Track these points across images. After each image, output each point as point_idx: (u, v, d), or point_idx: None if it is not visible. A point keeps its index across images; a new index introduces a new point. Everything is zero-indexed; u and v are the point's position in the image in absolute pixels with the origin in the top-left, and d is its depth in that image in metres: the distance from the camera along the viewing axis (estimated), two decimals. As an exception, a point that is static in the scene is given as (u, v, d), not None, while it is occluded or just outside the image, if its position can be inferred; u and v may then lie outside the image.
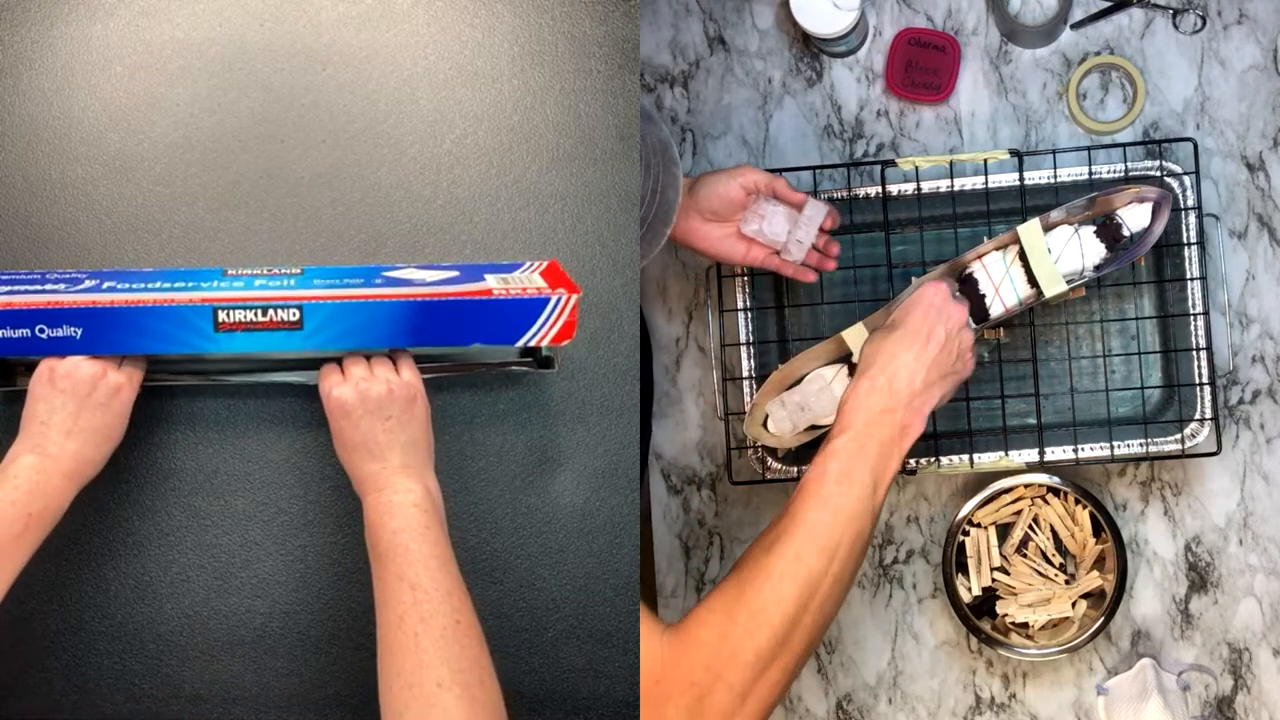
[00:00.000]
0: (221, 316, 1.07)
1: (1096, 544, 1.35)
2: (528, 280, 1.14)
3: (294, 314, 1.08)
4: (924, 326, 1.15)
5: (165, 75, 1.23)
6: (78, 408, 1.06)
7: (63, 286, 1.10)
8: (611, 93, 1.26)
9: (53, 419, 1.06)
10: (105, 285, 1.11)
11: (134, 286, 1.10)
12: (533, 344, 1.12)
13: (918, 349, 1.14)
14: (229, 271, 1.15)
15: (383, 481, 1.08)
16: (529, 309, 1.10)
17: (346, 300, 1.08)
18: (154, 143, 1.22)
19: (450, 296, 1.09)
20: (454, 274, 1.14)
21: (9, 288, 1.09)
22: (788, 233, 1.27)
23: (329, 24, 1.25)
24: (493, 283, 1.12)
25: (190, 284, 1.11)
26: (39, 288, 1.10)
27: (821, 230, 1.28)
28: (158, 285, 1.11)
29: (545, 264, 1.18)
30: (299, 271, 1.15)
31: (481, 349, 1.18)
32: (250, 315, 1.07)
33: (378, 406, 1.08)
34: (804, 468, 1.35)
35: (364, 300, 1.08)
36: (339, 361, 1.12)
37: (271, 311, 1.07)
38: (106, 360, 1.08)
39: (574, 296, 1.11)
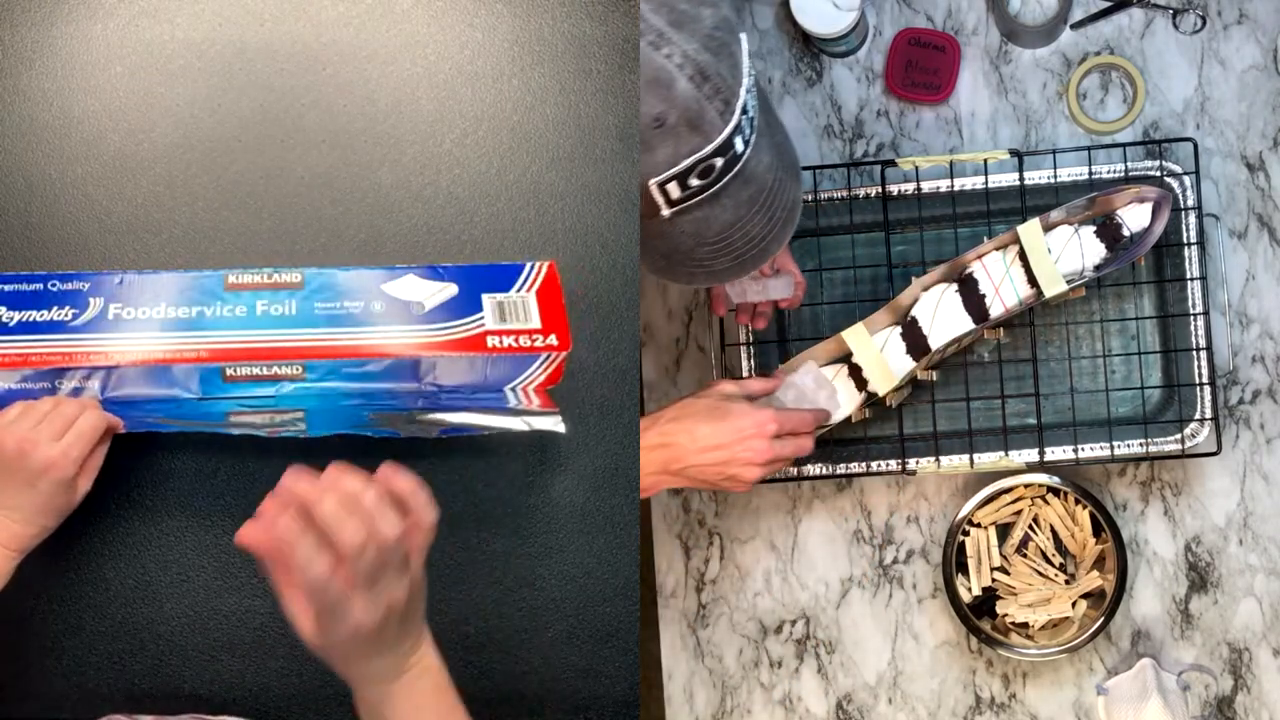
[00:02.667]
0: (229, 371, 1.08)
1: (1096, 544, 1.35)
2: (522, 307, 1.13)
3: (297, 369, 1.09)
4: (729, 444, 1.17)
5: (165, 75, 1.23)
6: (3, 482, 1.03)
7: (69, 313, 1.09)
8: (611, 93, 1.26)
9: None
10: (111, 312, 1.10)
11: (139, 315, 1.09)
12: (517, 390, 1.12)
13: (712, 453, 1.16)
14: (230, 283, 1.13)
15: (395, 672, 0.90)
16: (518, 362, 1.11)
17: (343, 360, 1.08)
18: (154, 143, 1.22)
19: (446, 352, 1.08)
20: (452, 291, 1.13)
21: (9, 308, 1.09)
22: (744, 280, 1.26)
23: (329, 24, 1.25)
24: (488, 319, 1.11)
25: (193, 310, 1.10)
26: (44, 313, 1.09)
27: (776, 305, 1.29)
28: (160, 312, 1.10)
29: (544, 273, 1.16)
30: (300, 283, 1.13)
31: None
32: (255, 369, 1.08)
33: (374, 577, 0.84)
34: (804, 468, 1.35)
35: (361, 358, 1.08)
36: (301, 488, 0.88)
37: (276, 367, 1.09)
38: (52, 424, 1.03)
39: (562, 355, 1.11)
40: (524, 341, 1.11)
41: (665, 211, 0.94)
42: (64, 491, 1.05)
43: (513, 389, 1.14)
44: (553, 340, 1.11)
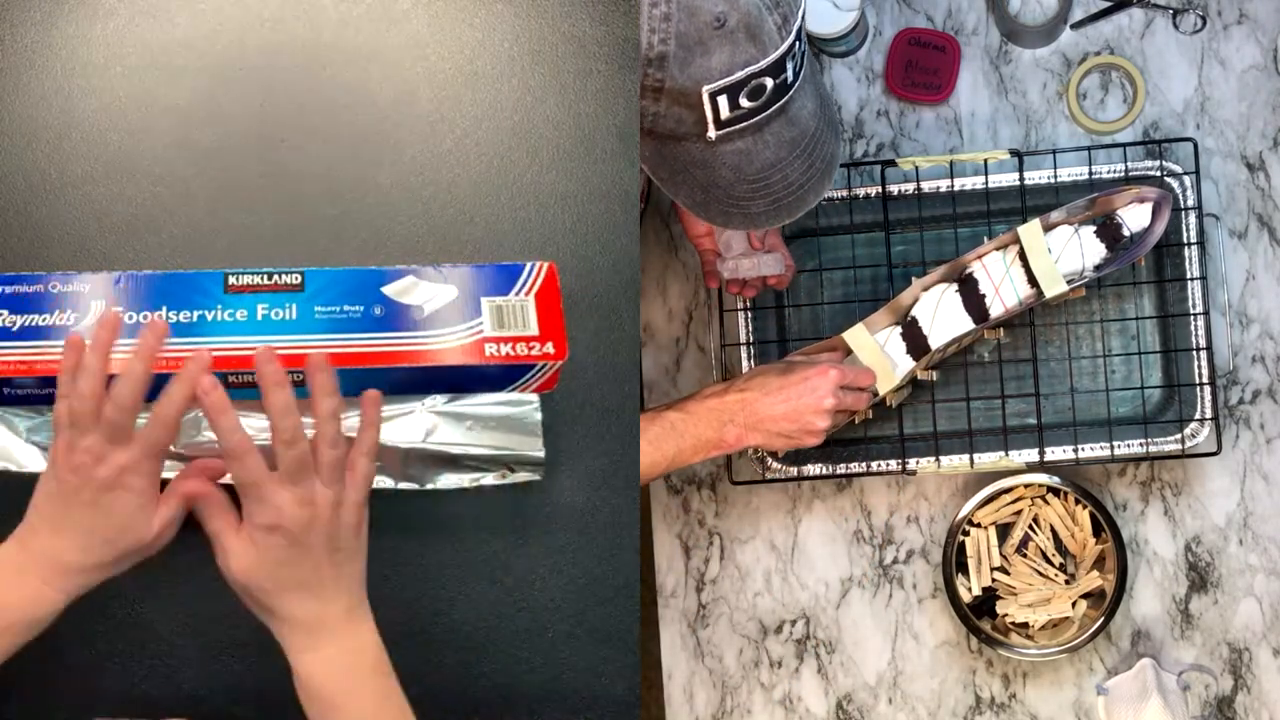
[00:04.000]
0: (231, 379, 1.07)
1: (1096, 544, 1.35)
2: (521, 312, 1.12)
3: (298, 377, 1.09)
4: (798, 390, 1.22)
5: (165, 75, 1.23)
6: (67, 500, 0.88)
7: (70, 317, 1.09)
8: (611, 93, 1.26)
9: (42, 506, 0.89)
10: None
11: (140, 319, 1.09)
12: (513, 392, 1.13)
13: (781, 399, 1.22)
14: (230, 284, 1.12)
15: (327, 632, 0.92)
16: (515, 370, 1.11)
17: (346, 365, 1.08)
18: (154, 143, 1.22)
19: (444, 364, 1.09)
20: (452, 294, 1.13)
21: (11, 311, 1.09)
22: (737, 254, 1.28)
23: (329, 24, 1.25)
24: (487, 325, 1.11)
25: (194, 314, 1.09)
26: (46, 317, 1.09)
27: (765, 281, 1.31)
28: (161, 315, 1.09)
29: (543, 275, 1.15)
30: (299, 284, 1.12)
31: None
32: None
33: (330, 534, 0.89)
34: (804, 468, 1.35)
35: (363, 366, 1.08)
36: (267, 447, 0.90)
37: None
38: (122, 439, 0.88)
39: (558, 364, 1.12)
40: (521, 350, 1.11)
41: (712, 132, 0.96)
42: (131, 517, 0.91)
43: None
44: (549, 349, 1.11)
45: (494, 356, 1.10)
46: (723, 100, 0.94)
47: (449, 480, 1.14)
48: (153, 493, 0.92)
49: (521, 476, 1.15)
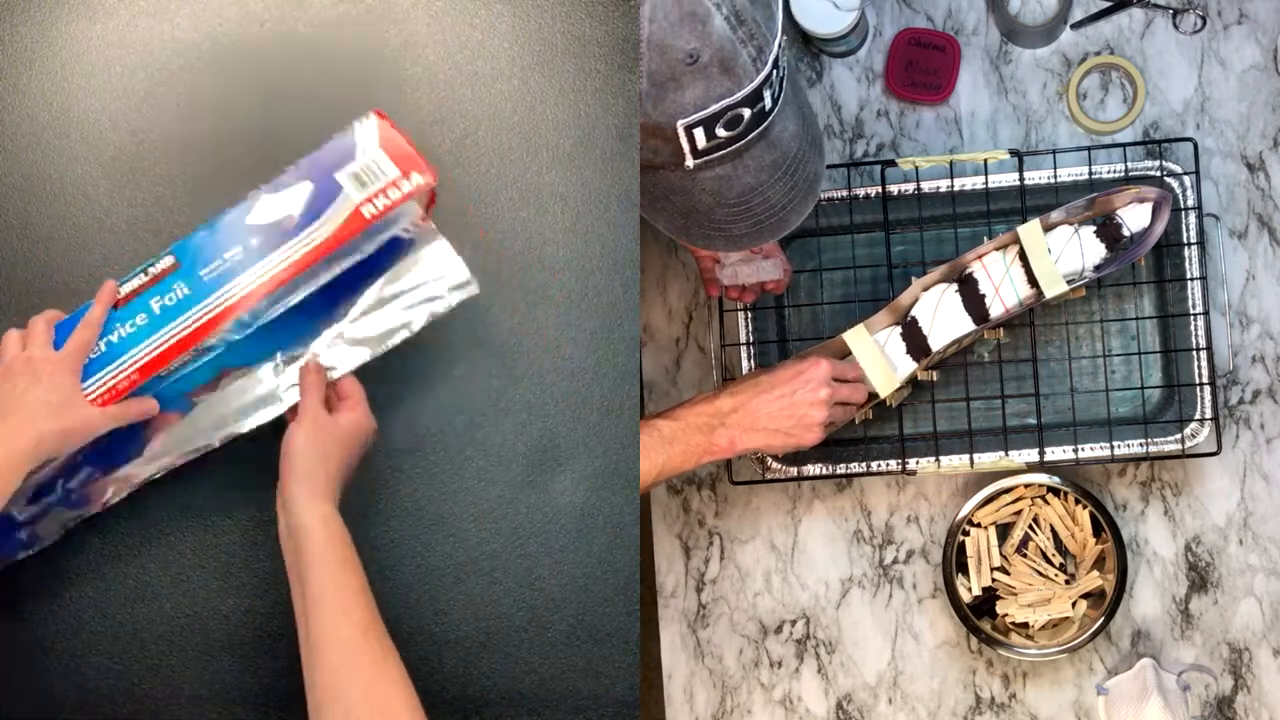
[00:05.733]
0: (162, 373, 1.10)
1: (1096, 544, 1.35)
2: (376, 166, 1.11)
3: (219, 336, 1.10)
4: (789, 386, 1.22)
5: (165, 75, 1.23)
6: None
7: None
8: (611, 93, 1.26)
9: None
10: None
11: None
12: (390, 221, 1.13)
13: (775, 395, 1.22)
14: (120, 298, 1.12)
15: (328, 500, 1.08)
16: (399, 215, 1.12)
17: (257, 302, 1.10)
18: (154, 143, 1.22)
19: (337, 248, 1.10)
20: (309, 189, 1.12)
21: None
22: (736, 261, 1.28)
23: (329, 24, 1.25)
24: (352, 193, 1.10)
25: (101, 344, 1.10)
26: None
27: (764, 286, 1.31)
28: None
29: (376, 125, 1.14)
30: (175, 264, 1.12)
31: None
32: (183, 359, 1.10)
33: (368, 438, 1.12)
34: (804, 468, 1.35)
35: (272, 294, 1.10)
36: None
37: (198, 349, 1.10)
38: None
39: (432, 184, 1.12)
40: (394, 194, 1.11)
41: (690, 162, 0.95)
42: (69, 388, 1.07)
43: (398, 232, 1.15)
44: (417, 178, 1.11)
45: (374, 214, 1.10)
46: (698, 132, 0.92)
47: (384, 321, 1.15)
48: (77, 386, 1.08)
49: (453, 299, 1.16)
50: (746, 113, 0.93)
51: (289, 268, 1.10)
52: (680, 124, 0.92)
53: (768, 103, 0.93)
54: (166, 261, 1.11)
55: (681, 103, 0.91)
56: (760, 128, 0.94)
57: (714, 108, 0.91)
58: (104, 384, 1.08)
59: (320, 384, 1.12)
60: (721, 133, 0.93)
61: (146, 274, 1.11)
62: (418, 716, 0.99)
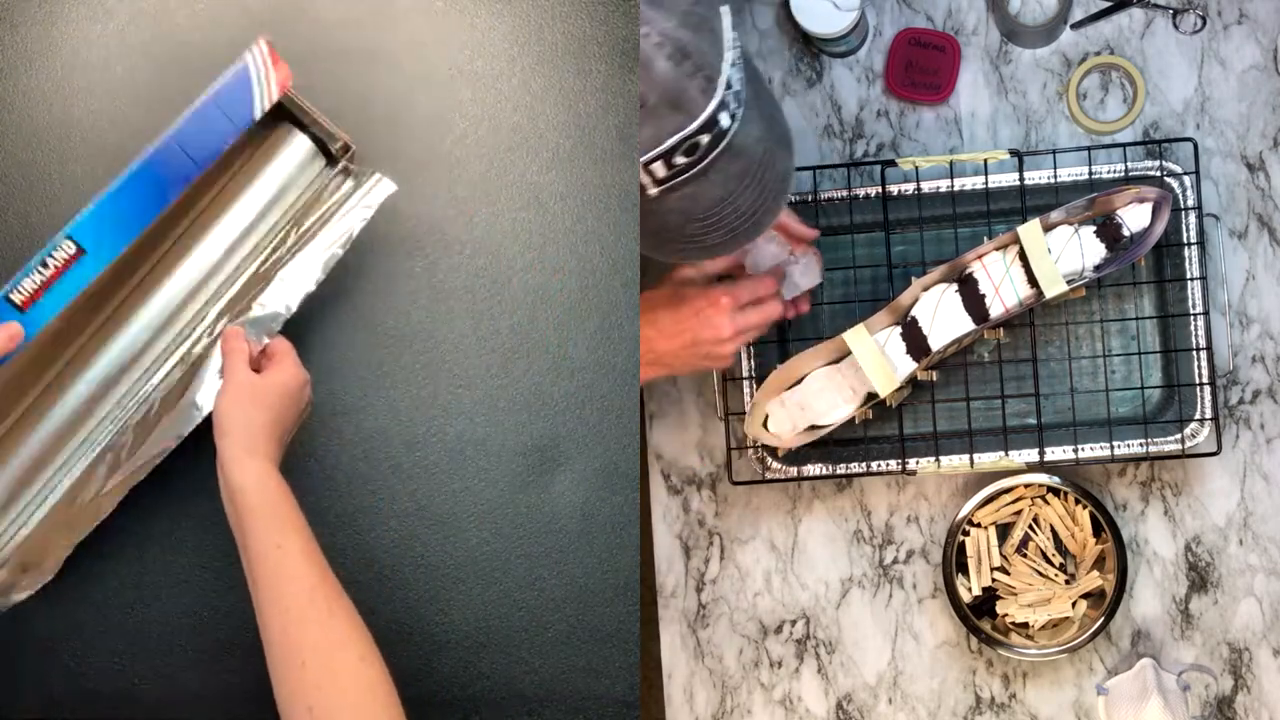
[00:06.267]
0: (15, 298, 1.08)
1: (1096, 544, 1.35)
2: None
3: (71, 247, 1.09)
4: (692, 325, 1.21)
5: (165, 75, 1.23)
6: None
7: None
8: (611, 93, 1.26)
9: None
10: None
11: None
12: (262, 107, 1.13)
13: (676, 335, 1.21)
14: (16, 301, 1.10)
15: (263, 458, 1.08)
16: (238, 85, 1.12)
17: (106, 197, 1.09)
18: (154, 142, 1.22)
19: (170, 139, 1.11)
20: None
21: None
22: (796, 272, 1.28)
23: (329, 24, 1.25)
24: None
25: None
26: None
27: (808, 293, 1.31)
28: None
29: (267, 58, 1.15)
30: (77, 251, 1.11)
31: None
32: (36, 279, 1.08)
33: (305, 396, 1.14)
34: (804, 468, 1.35)
35: (119, 190, 1.10)
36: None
37: (50, 259, 1.08)
38: None
39: (262, 42, 1.13)
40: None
41: (653, 190, 0.94)
42: None
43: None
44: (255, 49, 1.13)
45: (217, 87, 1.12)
46: (657, 165, 0.92)
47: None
48: None
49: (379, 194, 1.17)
50: (704, 139, 0.92)
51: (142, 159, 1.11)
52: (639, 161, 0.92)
53: (725, 122, 0.92)
54: (69, 248, 1.10)
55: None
56: (721, 145, 0.93)
57: (669, 143, 0.91)
58: None
59: (240, 348, 1.13)
60: (680, 160, 0.92)
61: (46, 267, 1.09)
62: (371, 670, 0.99)
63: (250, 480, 1.06)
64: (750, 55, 1.27)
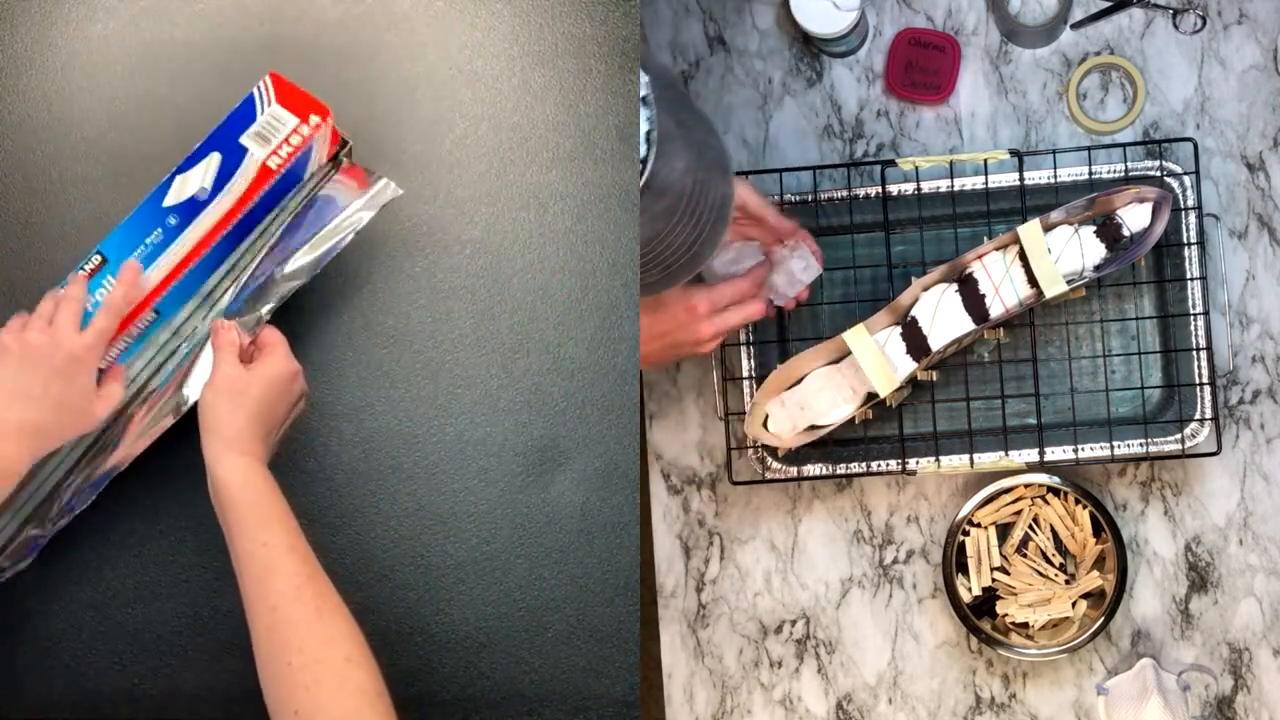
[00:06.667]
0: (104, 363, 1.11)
1: (1096, 544, 1.35)
2: (274, 120, 1.14)
3: (148, 316, 1.13)
4: (672, 330, 1.21)
5: (165, 75, 1.23)
6: (30, 374, 1.05)
7: None
8: (611, 93, 1.26)
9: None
10: None
11: None
12: (315, 171, 1.15)
13: (656, 340, 1.22)
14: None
15: (247, 454, 1.06)
16: (304, 157, 1.14)
17: (182, 271, 1.12)
18: (154, 143, 1.22)
19: (251, 204, 1.13)
20: (218, 159, 1.14)
21: None
22: (777, 282, 1.29)
23: (329, 24, 1.25)
24: (256, 151, 1.13)
25: None
26: None
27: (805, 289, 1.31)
28: None
29: (271, 85, 1.16)
30: (104, 261, 1.13)
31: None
32: (121, 344, 1.13)
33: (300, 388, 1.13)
34: (804, 468, 1.35)
35: (198, 260, 1.13)
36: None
37: (132, 329, 1.13)
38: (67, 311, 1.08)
39: (329, 121, 1.14)
40: (295, 140, 1.14)
41: None
42: (90, 384, 1.08)
43: (313, 179, 1.17)
44: (314, 119, 1.14)
45: (281, 163, 1.13)
46: None
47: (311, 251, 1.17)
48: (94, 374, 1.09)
49: (378, 196, 1.17)
50: None
51: (206, 235, 1.12)
52: None
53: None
54: (95, 260, 1.13)
55: None
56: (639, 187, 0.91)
57: None
58: None
59: (230, 341, 1.11)
60: None
61: (78, 279, 1.13)
62: (359, 671, 0.98)
63: (234, 476, 1.04)
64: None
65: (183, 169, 1.14)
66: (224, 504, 1.05)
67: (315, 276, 1.16)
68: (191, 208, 1.13)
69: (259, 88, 1.15)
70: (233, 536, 1.04)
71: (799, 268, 1.29)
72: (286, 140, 1.13)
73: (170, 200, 1.13)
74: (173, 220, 1.12)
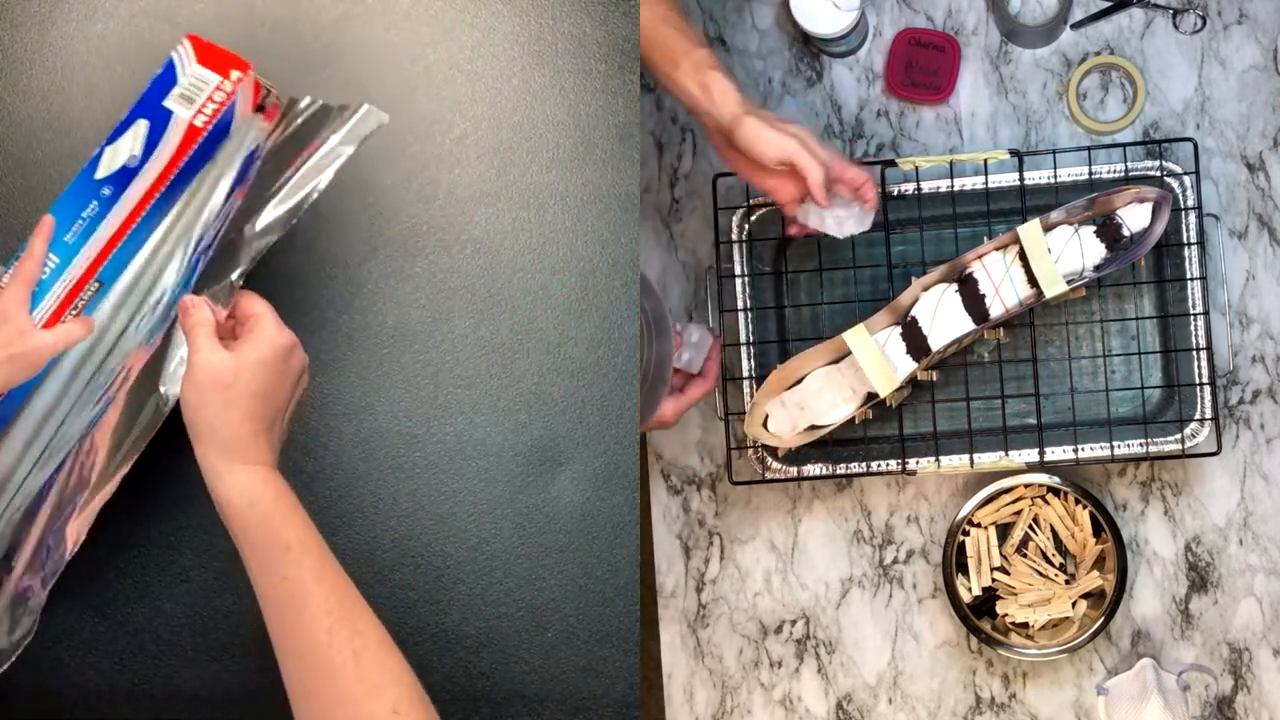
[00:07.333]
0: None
1: (1096, 544, 1.35)
2: (197, 80, 1.13)
3: (94, 286, 1.10)
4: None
5: (165, 75, 1.23)
6: None
7: None
8: (611, 93, 1.26)
9: None
10: None
11: None
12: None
13: None
14: None
15: (249, 461, 0.90)
16: (227, 116, 1.13)
17: (120, 239, 1.10)
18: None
19: (181, 164, 1.11)
20: (145, 126, 1.14)
21: None
22: (830, 218, 1.26)
23: (329, 24, 1.25)
24: (181, 113, 1.12)
25: None
26: None
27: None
28: None
29: (190, 48, 1.15)
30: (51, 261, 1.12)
31: None
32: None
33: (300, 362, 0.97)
34: (804, 468, 1.35)
35: (134, 226, 1.11)
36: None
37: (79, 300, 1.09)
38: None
39: (251, 72, 1.13)
40: (218, 97, 1.13)
41: None
42: (24, 325, 0.99)
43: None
44: (235, 75, 1.13)
45: (207, 121, 1.12)
46: None
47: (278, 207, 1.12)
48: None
49: (366, 126, 1.12)
50: None
51: (141, 200, 1.11)
52: None
53: None
54: (51, 259, 1.12)
55: None
56: None
57: None
58: None
59: (204, 320, 0.95)
60: None
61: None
62: (413, 710, 0.85)
63: (239, 496, 0.89)
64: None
65: (111, 140, 1.13)
66: (232, 528, 0.91)
67: (316, 275, 1.15)
68: (124, 176, 1.12)
69: (178, 51, 1.14)
70: (248, 566, 0.90)
71: (852, 215, 1.26)
72: (210, 98, 1.13)
73: (102, 173, 1.12)
74: (106, 191, 1.12)
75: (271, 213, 1.11)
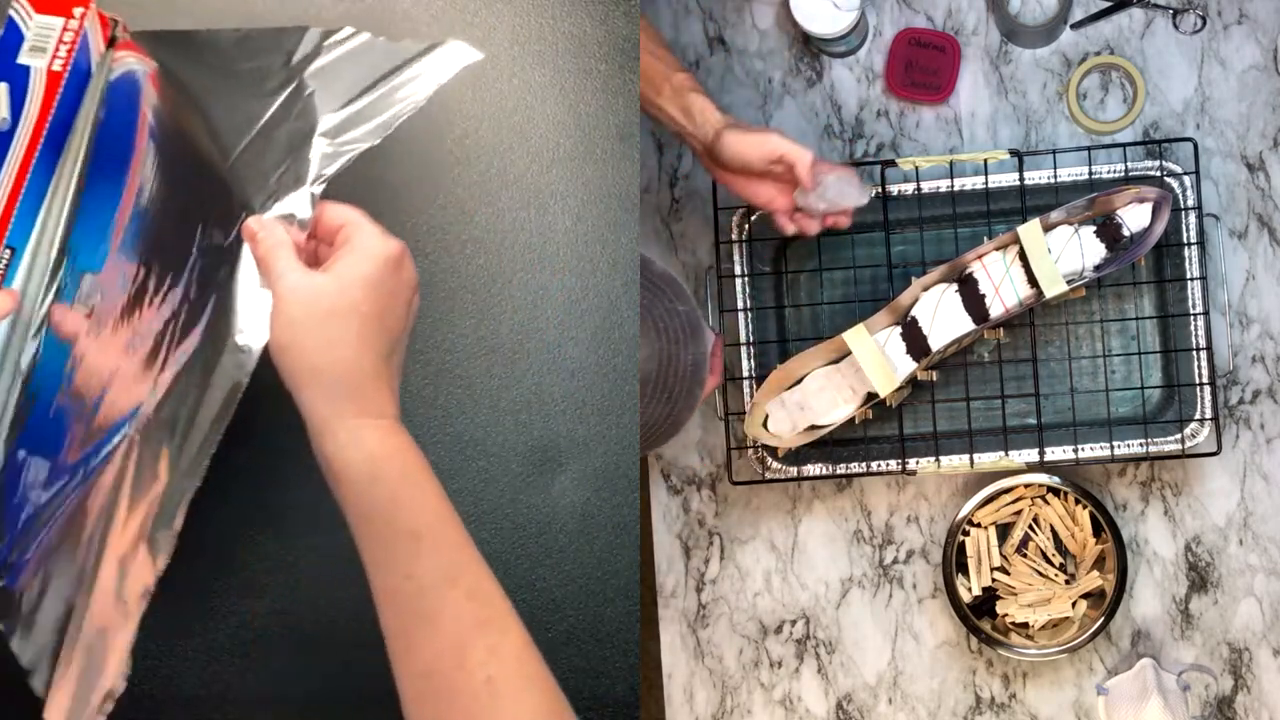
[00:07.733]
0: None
1: (1096, 544, 1.35)
2: (44, 26, 1.09)
3: (6, 254, 1.05)
4: None
5: (165, 75, 1.23)
6: None
7: None
8: (611, 92, 1.26)
9: None
10: None
11: None
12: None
13: None
14: None
15: (369, 414, 0.72)
16: (84, 54, 1.09)
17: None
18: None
19: (49, 124, 1.07)
20: (5, 89, 1.10)
21: None
22: (830, 191, 1.23)
23: (329, 24, 1.25)
24: (37, 63, 1.08)
25: None
26: None
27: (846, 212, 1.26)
28: None
29: (27, 2, 1.11)
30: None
31: None
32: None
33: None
34: (804, 468, 1.35)
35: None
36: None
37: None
38: None
39: (90, 7, 1.10)
40: (68, 38, 1.10)
41: None
42: None
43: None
44: (78, 11, 1.10)
45: (64, 64, 1.09)
46: None
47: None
48: None
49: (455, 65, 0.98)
50: None
51: (25, 158, 1.09)
52: None
53: None
54: None
55: None
56: None
57: None
58: None
59: (281, 241, 0.76)
60: None
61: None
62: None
63: (353, 464, 0.72)
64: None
65: None
66: (343, 499, 0.75)
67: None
68: (3, 142, 1.10)
69: (14, 7, 1.11)
70: (363, 553, 0.73)
71: (851, 185, 1.24)
72: (60, 40, 1.10)
73: None
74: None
75: (344, 118, 0.93)
